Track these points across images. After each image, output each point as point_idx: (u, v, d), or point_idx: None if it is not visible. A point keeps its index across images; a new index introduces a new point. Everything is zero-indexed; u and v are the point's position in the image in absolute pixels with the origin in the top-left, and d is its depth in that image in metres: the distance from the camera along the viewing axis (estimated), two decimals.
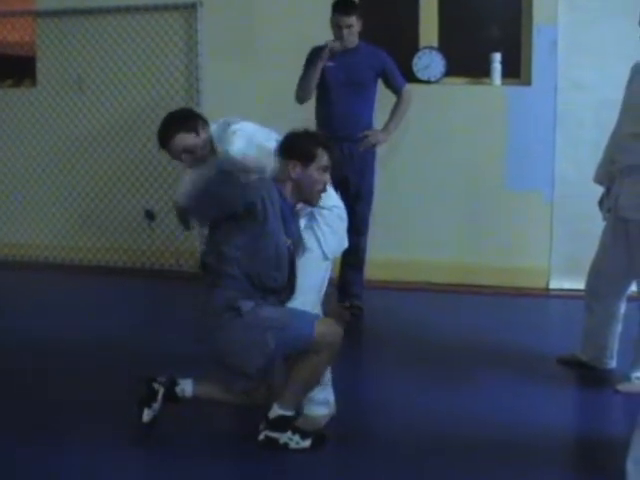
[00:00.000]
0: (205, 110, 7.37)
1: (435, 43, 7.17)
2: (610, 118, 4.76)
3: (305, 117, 6.42)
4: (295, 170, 3.89)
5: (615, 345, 4.88)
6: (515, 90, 6.94)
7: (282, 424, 3.86)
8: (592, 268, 4.92)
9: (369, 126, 6.27)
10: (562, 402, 4.62)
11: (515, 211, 6.98)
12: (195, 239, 7.38)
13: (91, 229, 7.85)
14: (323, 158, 3.92)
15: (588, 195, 5.10)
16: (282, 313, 3.84)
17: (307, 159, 3.90)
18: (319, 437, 3.95)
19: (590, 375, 4.89)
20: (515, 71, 7.07)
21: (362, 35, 6.45)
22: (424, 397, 4.57)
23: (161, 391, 3.90)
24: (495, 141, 6.94)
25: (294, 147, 3.96)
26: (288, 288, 3.96)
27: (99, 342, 5.44)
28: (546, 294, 6.91)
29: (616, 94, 4.71)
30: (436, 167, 6.99)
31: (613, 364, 4.89)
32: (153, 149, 7.49)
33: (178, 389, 3.92)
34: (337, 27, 6.05)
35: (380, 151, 6.39)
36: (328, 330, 3.77)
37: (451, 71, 7.04)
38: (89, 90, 7.78)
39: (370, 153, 6.29)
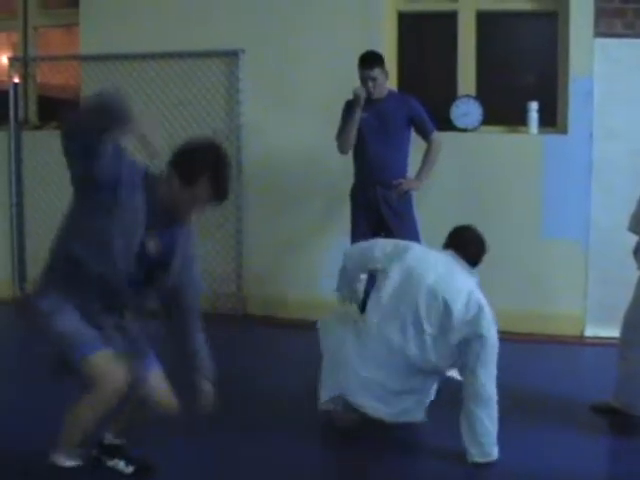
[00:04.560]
0: (245, 156, 7.54)
1: (473, 92, 7.26)
2: None
3: (344, 163, 6.54)
4: (174, 185, 3.44)
5: None
6: (551, 138, 7.00)
7: (111, 451, 3.93)
8: (626, 316, 4.95)
9: (403, 172, 6.41)
10: (595, 449, 4.62)
11: (550, 258, 7.01)
12: None
13: None
14: (205, 190, 3.43)
15: (623, 243, 5.12)
16: (67, 332, 3.47)
17: (188, 181, 3.43)
18: (144, 466, 3.95)
19: (623, 422, 4.88)
20: (551, 120, 7.14)
21: (402, 84, 6.57)
22: (454, 441, 4.56)
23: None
24: (531, 189, 6.99)
25: (183, 161, 3.47)
26: (139, 296, 3.66)
27: None
28: (581, 342, 6.92)
29: None
30: (472, 214, 7.02)
31: None
32: None
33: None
34: (363, 80, 6.24)
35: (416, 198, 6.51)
36: (96, 370, 3.41)
37: (488, 119, 7.12)
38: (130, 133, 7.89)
39: (406, 199, 6.42)
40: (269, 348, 6.34)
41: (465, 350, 4.44)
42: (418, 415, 4.72)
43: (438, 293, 4.49)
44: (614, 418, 4.95)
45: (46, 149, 8.16)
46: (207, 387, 3.78)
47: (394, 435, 4.76)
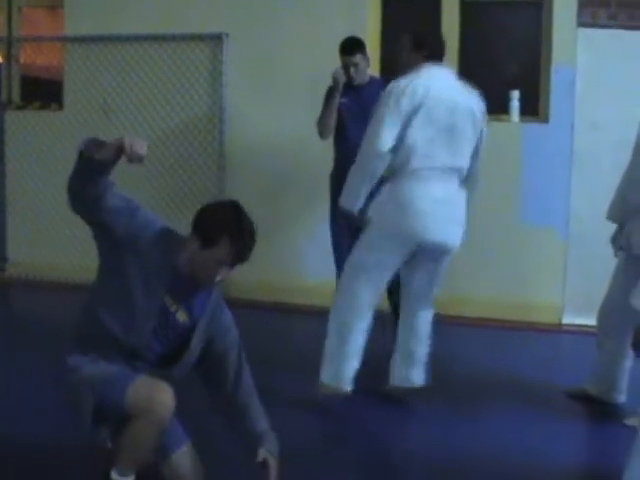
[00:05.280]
0: (228, 140, 7.56)
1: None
2: (627, 157, 4.81)
3: (328, 147, 6.57)
4: (193, 245, 3.27)
5: (624, 380, 4.95)
6: (532, 127, 7.03)
7: None
8: (604, 305, 5.00)
9: None
10: (570, 435, 4.67)
11: (529, 247, 7.05)
12: None
13: None
14: (224, 251, 3.22)
15: (602, 233, 5.16)
16: (99, 375, 3.31)
17: (207, 242, 3.24)
18: None
19: (599, 409, 4.95)
20: (533, 109, 7.18)
21: (385, 70, 6.59)
22: (430, 429, 4.66)
23: None
24: (511, 176, 7.03)
25: (203, 220, 3.30)
26: (168, 364, 3.44)
27: None
28: (559, 329, 6.97)
29: (633, 133, 4.76)
30: None
31: (622, 398, 4.96)
32: (175, 175, 7.71)
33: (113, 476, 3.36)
34: (344, 66, 6.26)
35: None
36: (141, 396, 3.21)
37: None
38: (114, 115, 7.93)
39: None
40: (254, 330, 6.37)
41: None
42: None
43: (455, 99, 4.86)
44: (590, 405, 5.01)
45: (29, 130, 8.21)
46: (273, 464, 3.50)
47: (379, 414, 4.86)
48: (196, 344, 3.45)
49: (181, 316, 3.39)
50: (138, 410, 3.21)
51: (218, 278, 3.30)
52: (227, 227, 3.23)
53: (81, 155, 3.15)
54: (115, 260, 3.31)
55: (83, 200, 3.25)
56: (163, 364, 3.44)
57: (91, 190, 3.19)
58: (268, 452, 3.50)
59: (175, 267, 3.32)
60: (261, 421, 3.58)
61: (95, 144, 3.15)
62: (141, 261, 3.27)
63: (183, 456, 3.51)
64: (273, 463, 3.49)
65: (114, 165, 3.17)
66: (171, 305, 3.36)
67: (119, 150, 3.10)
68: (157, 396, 3.23)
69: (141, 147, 3.11)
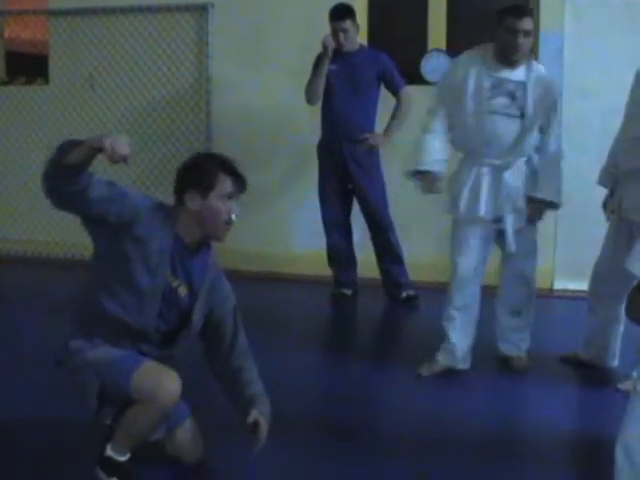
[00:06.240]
0: (215, 110, 7.52)
1: (443, 46, 7.26)
2: (616, 124, 4.81)
3: (315, 117, 6.55)
4: (194, 202, 3.31)
5: (617, 345, 4.96)
6: None
7: (109, 467, 3.37)
8: (595, 269, 5.00)
9: (371, 128, 6.44)
10: (564, 400, 4.68)
11: None
12: None
13: None
14: (226, 184, 3.31)
15: (592, 199, 5.17)
16: (104, 360, 3.33)
17: (206, 187, 3.30)
18: None
19: (592, 374, 4.96)
20: None
21: (372, 37, 6.54)
22: (423, 394, 4.67)
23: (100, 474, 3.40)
24: None
25: (190, 175, 3.35)
26: (170, 339, 3.47)
27: None
28: (550, 295, 6.99)
29: (622, 101, 4.74)
30: None
31: (615, 363, 4.98)
32: (162, 147, 7.67)
33: (107, 452, 3.38)
34: (334, 32, 6.25)
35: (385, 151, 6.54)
36: (146, 382, 3.23)
37: None
38: (100, 88, 7.89)
39: (373, 155, 6.44)
40: (241, 300, 6.36)
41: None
42: None
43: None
44: (583, 370, 5.03)
45: (14, 104, 8.14)
46: (264, 426, 3.51)
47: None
48: (198, 317, 3.47)
49: (182, 291, 3.40)
50: (143, 396, 3.24)
51: (233, 217, 3.33)
52: (215, 163, 3.34)
53: (51, 161, 3.07)
54: (112, 247, 3.28)
55: (62, 198, 3.16)
56: (166, 341, 3.45)
57: (67, 189, 3.10)
58: (260, 414, 3.51)
59: (176, 238, 3.33)
60: (255, 384, 3.60)
61: (70, 146, 3.06)
62: (140, 243, 3.26)
63: (185, 430, 3.57)
64: (264, 424, 3.50)
65: (88, 166, 3.09)
66: (173, 281, 3.36)
67: (96, 151, 3.03)
68: (163, 383, 3.25)
69: (123, 147, 3.02)
